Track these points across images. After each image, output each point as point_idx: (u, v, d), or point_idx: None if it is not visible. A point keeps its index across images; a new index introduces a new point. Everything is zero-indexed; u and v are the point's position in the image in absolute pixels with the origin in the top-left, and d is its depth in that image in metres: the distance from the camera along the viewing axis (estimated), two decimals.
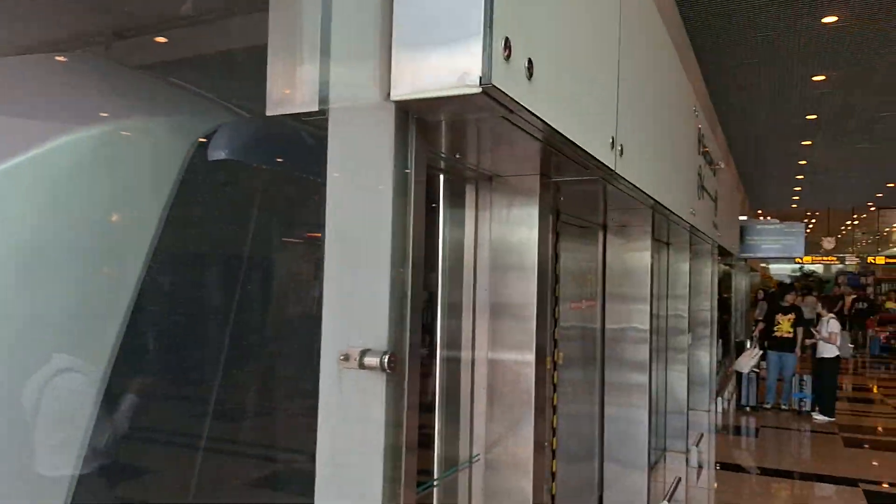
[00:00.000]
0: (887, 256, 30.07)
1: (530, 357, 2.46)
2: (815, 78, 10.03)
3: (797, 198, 23.80)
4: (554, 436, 3.79)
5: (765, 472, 5.88)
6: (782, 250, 10.61)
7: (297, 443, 1.76)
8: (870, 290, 28.15)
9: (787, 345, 8.55)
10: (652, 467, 6.07)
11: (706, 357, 8.39)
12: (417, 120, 1.57)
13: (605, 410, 4.64)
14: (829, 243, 26.49)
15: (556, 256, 3.73)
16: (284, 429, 1.83)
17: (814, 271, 36.14)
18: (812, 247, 35.58)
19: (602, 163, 2.31)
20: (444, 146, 2.14)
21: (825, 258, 28.44)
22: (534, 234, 2.47)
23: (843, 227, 39.35)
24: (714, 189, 5.97)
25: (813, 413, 7.99)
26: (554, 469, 3.79)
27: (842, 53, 8.88)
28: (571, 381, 4.63)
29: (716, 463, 6.22)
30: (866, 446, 6.81)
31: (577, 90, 1.99)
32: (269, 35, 1.67)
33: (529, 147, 2.11)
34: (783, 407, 8.53)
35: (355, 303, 1.55)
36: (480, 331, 2.59)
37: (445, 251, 2.59)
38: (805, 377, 8.28)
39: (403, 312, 1.55)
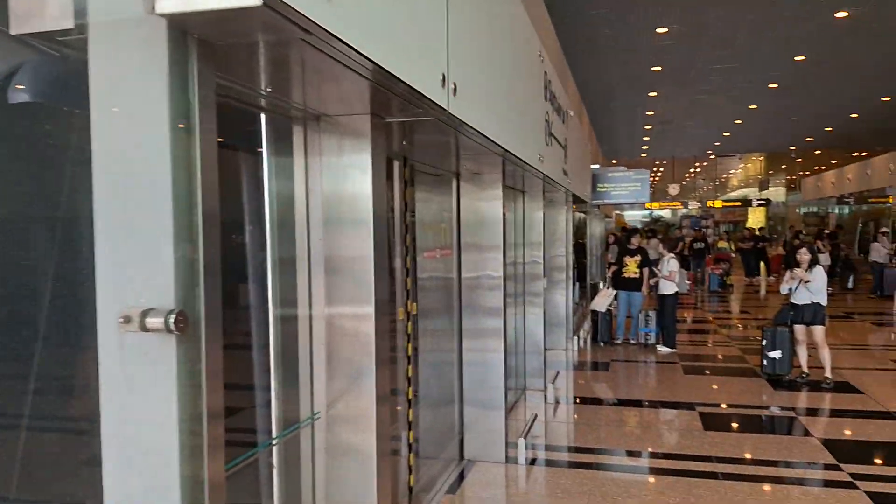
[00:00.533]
0: (724, 201, 33.12)
1: (369, 310, 2.34)
2: (658, 30, 10.54)
3: (646, 147, 25.40)
4: (410, 385, 3.75)
5: (617, 401, 6.29)
6: (629, 196, 11.28)
7: (77, 416, 1.53)
8: (710, 231, 30.94)
9: (633, 284, 9.16)
10: (511, 407, 6.30)
11: (563, 300, 8.80)
12: (199, 41, 1.35)
13: (464, 356, 4.69)
14: (674, 189, 28.65)
15: (407, 205, 3.62)
16: (61, 402, 1.58)
17: (662, 216, 39.08)
18: (659, 193, 38.46)
19: (433, 101, 2.19)
20: (256, 79, 1.92)
21: (671, 203, 30.80)
22: (367, 181, 2.32)
23: (686, 175, 42.75)
24: (564, 136, 6.11)
25: (657, 345, 8.67)
26: (411, 418, 3.77)
27: (680, 5, 9.36)
28: (430, 330, 4.62)
29: (573, 397, 6.58)
30: (707, 373, 7.46)
31: (395, 18, 1.83)
32: None
33: (352, 82, 1.94)
34: (632, 341, 9.17)
35: (135, 256, 1.34)
36: (316, 286, 2.43)
37: (273, 201, 2.39)
38: (650, 313, 8.93)
39: (194, 265, 1.35)
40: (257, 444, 2.34)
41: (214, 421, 1.42)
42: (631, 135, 21.64)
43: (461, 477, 4.44)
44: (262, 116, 2.34)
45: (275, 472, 2.40)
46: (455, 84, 2.38)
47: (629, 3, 9.15)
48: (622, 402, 6.28)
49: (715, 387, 6.92)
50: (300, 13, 1.27)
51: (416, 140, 3.30)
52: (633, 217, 40.40)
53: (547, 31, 7.06)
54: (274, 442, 2.40)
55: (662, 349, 8.62)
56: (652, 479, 4.35)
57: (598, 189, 11.12)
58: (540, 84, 4.48)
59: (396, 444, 3.54)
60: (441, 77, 2.23)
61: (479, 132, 2.78)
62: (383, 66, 1.71)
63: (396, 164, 3.32)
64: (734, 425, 5.55)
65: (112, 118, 1.33)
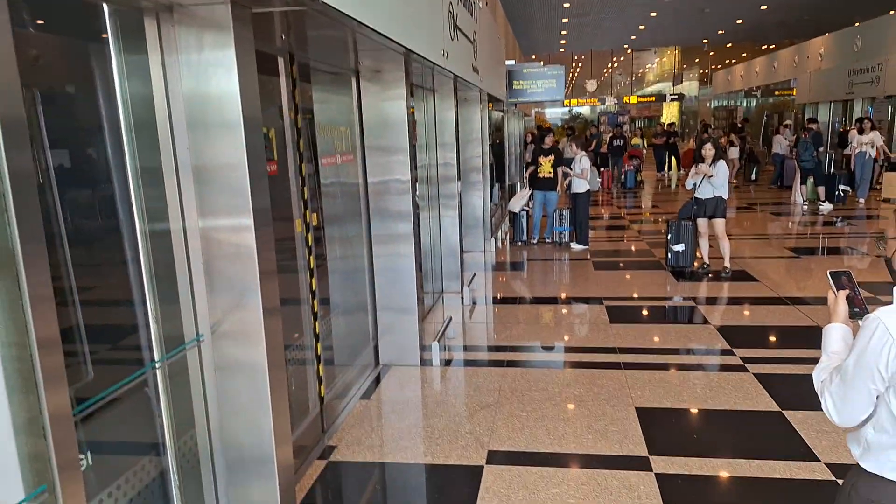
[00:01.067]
0: (639, 96, 33.56)
1: (247, 222, 2.17)
2: None
3: (564, 42, 25.08)
4: (315, 297, 3.65)
5: (530, 300, 6.45)
6: (545, 94, 11.15)
7: None
8: (627, 128, 31.51)
9: (548, 184, 9.25)
10: (428, 311, 6.35)
11: (480, 201, 8.79)
12: None
13: (374, 263, 4.61)
14: (591, 86, 28.72)
15: (297, 107, 3.36)
16: None
17: (581, 113, 39.35)
18: (578, 90, 38.53)
19: None
20: None
21: (589, 100, 30.96)
22: (233, 79, 2.07)
23: (605, 70, 42.86)
24: (473, 31, 5.83)
25: (571, 243, 8.89)
26: (318, 330, 3.70)
27: None
28: (338, 237, 4.48)
29: (489, 298, 6.70)
30: (617, 268, 7.74)
31: None
32: None
33: None
34: (547, 241, 9.35)
35: None
36: (188, 198, 2.22)
37: (127, 104, 2.11)
38: (564, 212, 9.07)
39: None
40: (141, 367, 2.20)
41: (48, 351, 1.27)
42: (549, 28, 21.22)
43: (377, 381, 4.47)
44: (105, 7, 2.03)
45: (161, 395, 2.28)
46: None
47: None
48: (535, 301, 6.45)
49: (622, 281, 7.20)
50: None
51: (300, 34, 3.02)
52: (554, 115, 40.52)
53: None
54: (157, 365, 2.26)
55: (576, 246, 8.84)
56: (559, 373, 4.53)
57: (514, 87, 10.92)
58: None
59: (300, 355, 3.47)
60: None
61: (364, 24, 2.54)
62: None
63: (281, 61, 3.03)
64: (638, 317, 5.81)
65: None
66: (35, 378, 1.25)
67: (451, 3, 4.57)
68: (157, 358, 2.26)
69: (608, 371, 4.47)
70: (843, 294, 1.68)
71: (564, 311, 6.10)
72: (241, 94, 2.08)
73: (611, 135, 17.59)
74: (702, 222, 7.07)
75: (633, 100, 31.75)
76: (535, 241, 9.48)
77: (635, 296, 6.50)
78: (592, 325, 5.61)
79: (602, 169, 15.71)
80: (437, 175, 6.64)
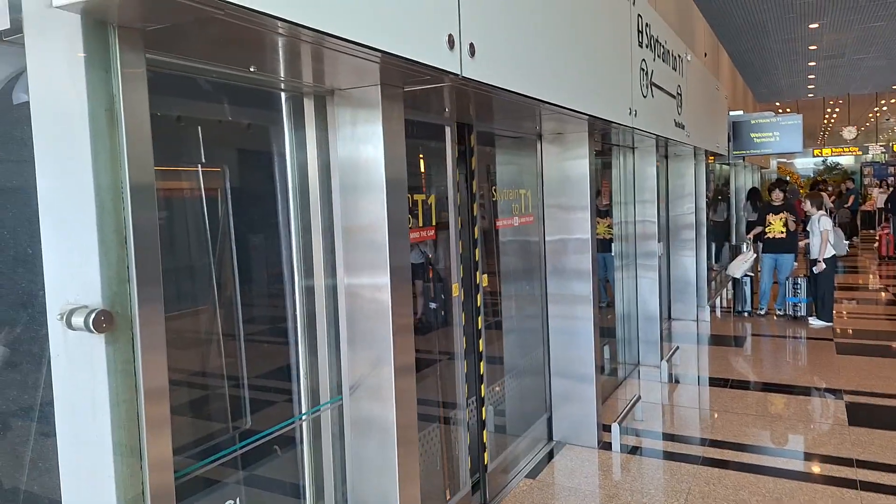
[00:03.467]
0: None
1: (384, 280, 2.30)
2: None
3: (812, 87, 22.62)
4: (481, 360, 3.64)
5: (744, 384, 5.66)
6: (778, 145, 10.08)
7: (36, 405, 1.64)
8: None
9: (781, 245, 8.28)
10: (617, 385, 5.95)
11: (691, 263, 8.17)
12: (120, 28, 1.35)
13: (549, 324, 4.52)
14: (849, 133, 25.35)
15: (472, 173, 3.49)
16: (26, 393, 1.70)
17: (839, 164, 34.84)
18: (835, 138, 34.19)
19: (435, 67, 2.05)
20: (237, 61, 1.90)
21: (848, 149, 27.32)
22: (379, 149, 2.25)
23: (869, 115, 37.65)
24: (676, 84, 5.57)
25: (809, 318, 7.74)
26: (483, 394, 3.64)
27: None
28: (513, 298, 4.48)
29: (694, 376, 6.06)
30: (866, 354, 6.47)
31: None
32: None
33: (319, 57, 1.87)
34: (778, 312, 8.26)
35: (71, 253, 1.39)
36: (336, 257, 2.43)
37: (292, 173, 2.40)
38: (801, 280, 7.97)
39: (122, 260, 1.38)
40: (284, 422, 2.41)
41: (156, 429, 1.44)
42: (791, 73, 19.33)
43: (548, 459, 4.22)
44: (282, 95, 2.35)
45: (304, 450, 2.47)
46: (472, 44, 2.21)
47: None
48: (751, 385, 5.62)
49: (873, 371, 5.91)
50: None
51: (467, 103, 3.16)
52: (805, 166, 36.40)
53: None
54: (302, 418, 2.47)
55: (815, 322, 7.69)
56: (768, 482, 3.77)
57: (742, 138, 10.06)
58: (628, 30, 4.08)
59: (460, 418, 3.47)
60: (447, 39, 2.08)
61: (517, 93, 2.58)
62: (338, 35, 1.61)
63: (448, 130, 3.20)
64: (890, 421, 4.67)
65: (45, 112, 1.39)
66: (140, 448, 1.42)
67: (643, 60, 4.43)
68: (302, 412, 2.46)
69: (837, 490, 3.63)
70: None
71: (788, 402, 5.18)
72: (385, 161, 2.25)
73: (892, 190, 15.11)
74: None
75: None
76: (761, 313, 8.43)
77: (887, 393, 5.28)
78: (824, 425, 4.67)
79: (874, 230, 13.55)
80: (635, 233, 6.36)
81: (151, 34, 1.43)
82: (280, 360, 2.46)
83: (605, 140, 5.37)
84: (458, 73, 2.15)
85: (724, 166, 12.72)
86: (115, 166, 1.36)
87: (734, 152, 10.24)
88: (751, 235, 8.95)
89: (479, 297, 3.65)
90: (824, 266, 7.47)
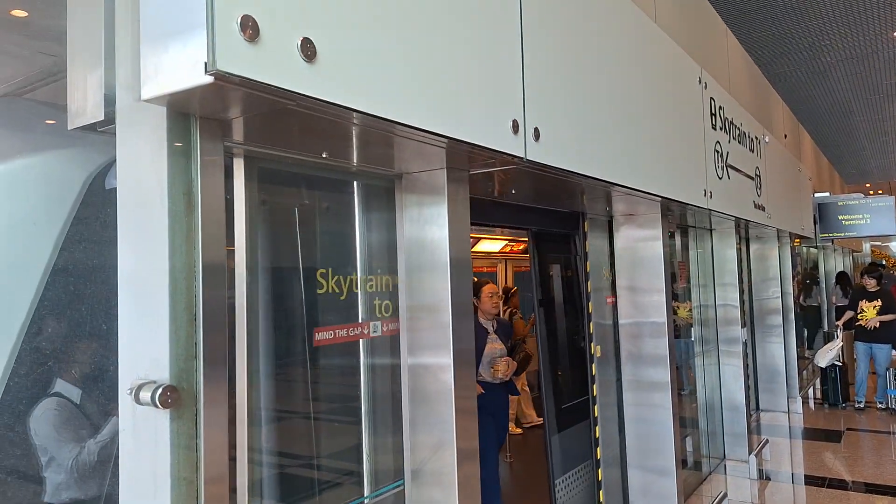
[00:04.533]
0: None
1: (447, 361, 2.27)
2: None
3: None
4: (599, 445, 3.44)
5: (843, 484, 5.18)
6: (869, 228, 9.56)
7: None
8: None
9: (876, 334, 7.80)
10: (702, 480, 5.56)
11: (779, 350, 7.69)
12: (201, 119, 1.46)
13: (624, 412, 4.31)
14: None
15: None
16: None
17: None
18: None
19: (500, 151, 2.09)
20: (311, 148, 2.00)
21: None
22: (444, 230, 2.28)
23: None
24: (755, 166, 5.44)
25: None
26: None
27: None
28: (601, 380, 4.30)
29: (787, 473, 5.61)
30: None
31: (395, 63, 1.77)
32: (67, 45, 1.61)
33: (386, 144, 1.95)
34: (880, 405, 7.60)
35: (143, 327, 1.45)
36: (402, 335, 2.43)
37: (363, 254, 2.46)
38: None
39: (191, 337, 1.42)
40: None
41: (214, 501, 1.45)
42: (880, 154, 18.56)
43: None
44: (355, 182, 2.45)
45: None
46: (537, 129, 2.25)
47: (850, 8, 7.97)
48: (850, 486, 5.17)
49: None
50: (259, 82, 1.28)
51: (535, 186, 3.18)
52: None
53: (733, 48, 6.41)
54: (366, 500, 2.41)
55: None
56: None
57: (829, 221, 9.62)
58: (700, 113, 4.06)
59: None
60: (511, 124, 2.13)
61: (583, 175, 2.59)
62: (406, 124, 1.67)
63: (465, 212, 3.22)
64: None
65: (130, 196, 1.49)
66: None
67: (717, 142, 4.38)
68: (366, 494, 2.41)
69: None
70: None
71: None
72: (449, 241, 2.27)
73: None
74: None
75: None
76: (860, 405, 7.78)
77: None
78: None
79: None
80: (716, 318, 6.08)
81: (231, 124, 1.53)
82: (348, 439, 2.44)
83: (681, 222, 5.26)
84: (523, 156, 2.18)
85: (813, 249, 12.15)
86: (189, 247, 1.43)
87: (821, 235, 9.79)
88: (840, 322, 8.39)
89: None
90: None
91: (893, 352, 7.67)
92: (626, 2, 3.12)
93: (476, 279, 4.21)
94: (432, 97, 1.78)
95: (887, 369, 7.53)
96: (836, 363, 7.82)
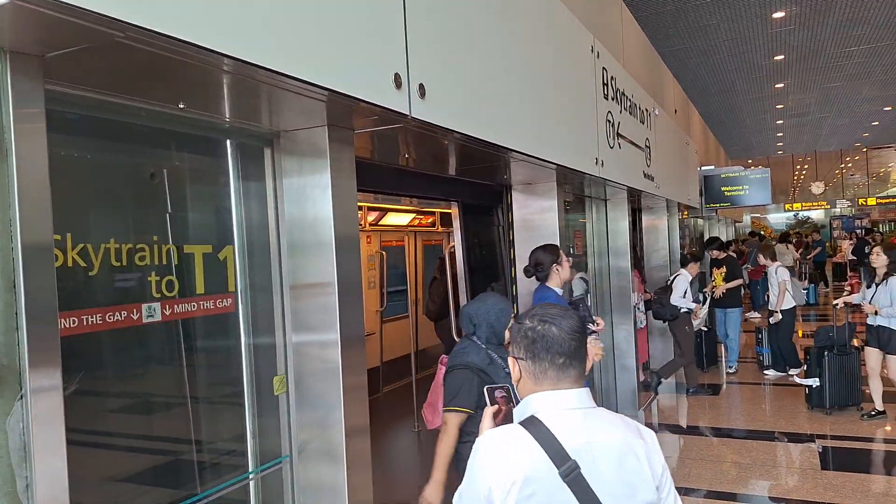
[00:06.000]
0: (879, 198, 29.60)
1: (334, 337, 2.13)
2: (775, 15, 9.55)
3: (781, 144, 23.28)
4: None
5: (718, 431, 5.60)
6: (748, 199, 10.19)
7: None
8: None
9: (724, 301, 7.92)
10: None
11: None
12: (12, 54, 1.22)
13: None
14: (817, 188, 25.99)
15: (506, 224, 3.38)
16: None
17: (809, 217, 35.64)
18: (805, 194, 34.99)
19: (382, 106, 1.94)
20: (170, 97, 1.78)
21: (816, 204, 27.95)
22: (328, 201, 2.11)
23: (836, 171, 38.82)
24: (645, 137, 5.58)
25: (765, 370, 7.59)
26: None
27: None
28: None
29: (677, 424, 5.96)
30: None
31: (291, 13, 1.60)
32: None
33: (242, 90, 1.75)
34: (729, 371, 7.96)
35: None
36: (285, 313, 2.26)
37: (242, 227, 2.24)
38: (762, 331, 7.81)
39: (11, 306, 1.21)
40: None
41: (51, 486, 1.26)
42: (760, 131, 19.90)
43: None
44: (228, 141, 2.21)
45: None
46: (422, 85, 2.12)
47: None
48: (726, 433, 5.58)
49: (837, 417, 5.92)
50: (75, 6, 1.07)
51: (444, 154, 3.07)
52: (777, 220, 37.08)
53: (627, 21, 6.53)
54: (251, 476, 2.25)
55: (769, 373, 7.58)
56: None
57: (712, 192, 10.15)
58: (592, 82, 4.08)
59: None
60: (394, 77, 1.99)
61: (476, 138, 2.49)
62: (268, 67, 1.50)
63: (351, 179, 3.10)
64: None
65: None
66: None
67: (609, 111, 4.42)
68: (250, 470, 2.25)
69: None
70: (489, 410, 1.62)
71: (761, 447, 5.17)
72: (333, 209, 2.11)
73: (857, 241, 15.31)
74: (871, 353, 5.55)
75: (872, 201, 28.04)
76: (730, 370, 7.97)
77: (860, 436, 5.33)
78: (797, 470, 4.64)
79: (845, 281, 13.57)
80: (610, 285, 6.25)
81: (54, 62, 1.30)
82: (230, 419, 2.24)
83: (577, 192, 5.32)
84: (408, 113, 2.05)
85: (700, 220, 12.83)
86: (4, 202, 1.21)
87: (706, 205, 10.32)
88: (707, 290, 8.40)
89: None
90: (780, 317, 7.35)
91: (756, 316, 8.03)
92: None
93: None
94: (303, 41, 1.61)
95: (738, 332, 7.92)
96: (703, 328, 8.09)
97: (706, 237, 12.45)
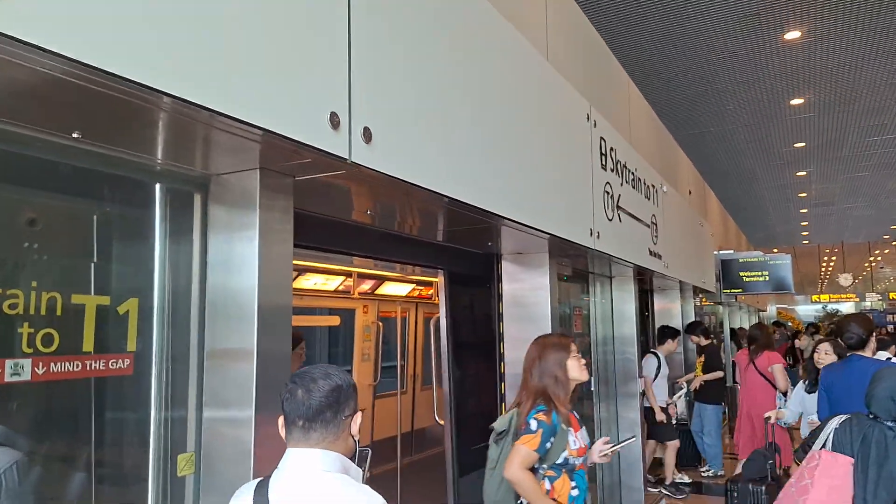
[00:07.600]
0: None
1: (248, 414, 1.83)
2: (793, 102, 9.43)
3: (806, 234, 22.82)
4: None
5: None
6: (767, 285, 9.74)
7: None
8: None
9: (700, 394, 7.02)
10: None
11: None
12: None
13: None
14: (845, 280, 25.25)
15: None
16: None
17: (838, 310, 34.64)
18: (833, 285, 34.14)
19: (316, 148, 1.72)
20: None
21: (844, 296, 27.13)
22: (254, 262, 1.85)
23: (865, 265, 38.06)
24: (651, 213, 5.32)
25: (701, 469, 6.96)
26: None
27: (817, 71, 8.28)
28: None
29: None
30: None
31: (198, 37, 1.40)
32: None
33: (182, 129, 1.55)
34: (703, 474, 6.84)
35: None
36: (200, 383, 1.97)
37: (164, 276, 1.99)
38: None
39: None
40: None
41: None
42: (785, 220, 19.55)
43: None
44: (156, 185, 1.98)
45: None
46: (367, 128, 1.90)
47: (751, 75, 8.24)
48: None
49: None
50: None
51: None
52: (806, 312, 36.11)
53: (635, 98, 6.42)
54: None
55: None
56: None
57: (731, 277, 9.74)
58: (588, 150, 3.87)
59: None
60: (329, 117, 1.76)
61: (420, 187, 2.21)
62: (196, 103, 1.29)
63: (286, 234, 2.84)
64: None
65: None
66: None
67: (608, 182, 4.19)
68: None
69: None
70: None
71: None
72: (260, 263, 1.85)
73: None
74: None
75: None
76: (709, 472, 6.97)
77: None
78: None
79: None
80: (615, 370, 5.84)
81: None
82: None
83: (578, 267, 5.04)
84: (347, 157, 1.82)
85: (720, 307, 12.32)
86: None
87: (723, 290, 9.89)
88: (681, 381, 7.29)
89: None
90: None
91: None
92: (508, 27, 2.89)
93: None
94: (232, 71, 1.40)
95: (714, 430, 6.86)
96: (681, 421, 7.34)
97: (725, 325, 11.92)
